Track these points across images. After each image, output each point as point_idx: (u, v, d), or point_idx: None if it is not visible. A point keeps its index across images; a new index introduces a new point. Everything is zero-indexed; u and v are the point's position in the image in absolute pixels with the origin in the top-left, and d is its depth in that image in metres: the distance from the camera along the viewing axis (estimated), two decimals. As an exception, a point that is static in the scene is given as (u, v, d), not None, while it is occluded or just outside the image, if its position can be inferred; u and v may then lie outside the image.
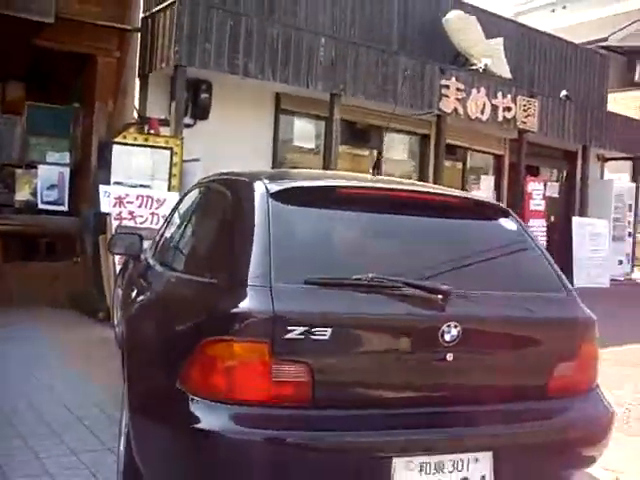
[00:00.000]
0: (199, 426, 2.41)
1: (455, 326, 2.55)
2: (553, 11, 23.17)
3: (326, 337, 2.43)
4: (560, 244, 13.48)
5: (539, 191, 12.95)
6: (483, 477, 2.60)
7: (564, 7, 23.64)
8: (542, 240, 12.79)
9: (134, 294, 3.96)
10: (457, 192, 3.54)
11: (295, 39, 9.58)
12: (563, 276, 3.06)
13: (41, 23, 7.30)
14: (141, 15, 9.09)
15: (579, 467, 3.01)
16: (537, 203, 12.85)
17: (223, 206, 3.27)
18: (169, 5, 8.70)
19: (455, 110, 11.26)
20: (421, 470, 2.51)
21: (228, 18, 8.97)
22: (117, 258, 6.99)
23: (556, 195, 14.93)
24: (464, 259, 2.88)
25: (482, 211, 3.19)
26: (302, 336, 2.41)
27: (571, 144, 14.26)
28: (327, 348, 2.45)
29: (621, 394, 5.80)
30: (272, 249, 2.59)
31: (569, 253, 13.48)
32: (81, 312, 8.03)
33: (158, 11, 8.93)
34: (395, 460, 2.47)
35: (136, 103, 9.23)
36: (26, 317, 7.47)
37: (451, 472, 2.56)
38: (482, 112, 11.57)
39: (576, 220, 13.89)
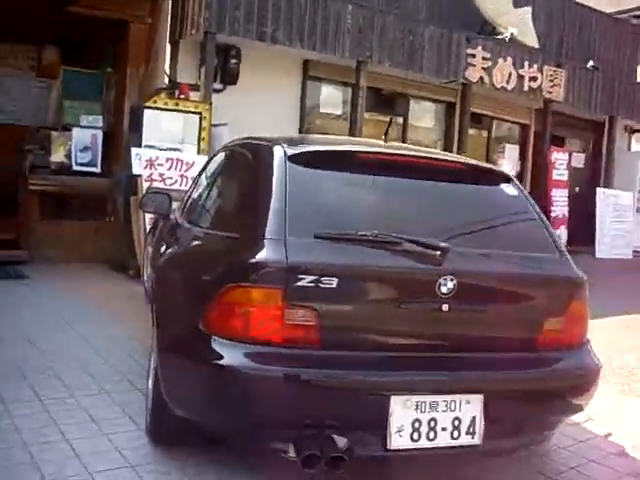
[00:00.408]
0: (219, 362, 2.72)
1: (451, 279, 2.82)
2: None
3: (333, 286, 2.72)
4: (584, 215, 13.54)
5: (563, 161, 13.01)
6: (473, 418, 2.87)
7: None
8: (564, 209, 12.92)
9: (163, 249, 4.28)
10: (461, 158, 3.79)
11: (322, 7, 9.73)
12: (558, 239, 3.32)
13: (75, -10, 7.57)
14: (173, -18, 9.29)
15: (565, 414, 3.29)
16: (560, 173, 12.91)
17: (245, 168, 3.56)
18: (200, -27, 8.90)
19: (481, 79, 11.35)
20: (417, 408, 2.79)
21: (257, -15, 9.15)
22: (147, 218, 7.33)
23: (581, 166, 14.97)
24: (464, 220, 3.16)
25: (484, 177, 3.44)
26: (311, 284, 2.70)
27: (598, 115, 14.25)
28: (333, 296, 2.74)
29: (630, 359, 6.04)
30: (287, 207, 2.87)
31: (592, 224, 13.58)
32: (112, 269, 8.40)
33: (189, -22, 9.13)
34: (393, 398, 2.76)
35: (167, 68, 9.47)
36: (60, 272, 7.85)
37: (444, 411, 2.84)
38: (508, 81, 11.64)
39: (600, 191, 13.93)
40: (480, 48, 11.28)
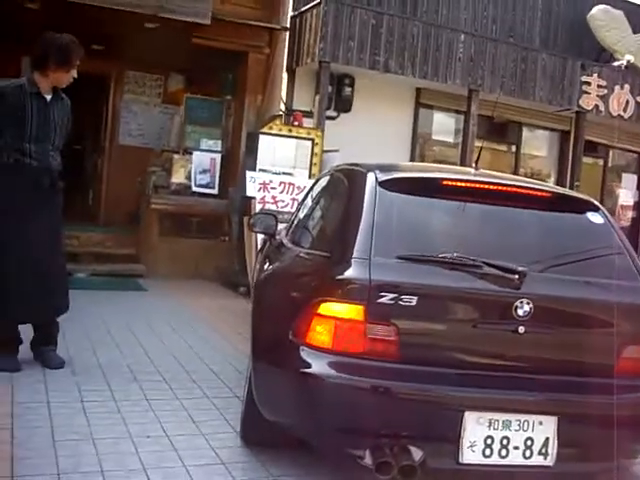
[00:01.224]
0: (306, 370, 2.96)
1: (527, 303, 2.93)
2: None
3: (412, 304, 2.90)
4: None
5: (684, 191, 12.58)
6: (547, 439, 2.96)
7: None
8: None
9: (265, 266, 4.58)
10: (547, 186, 3.88)
11: (435, 36, 9.93)
12: (642, 268, 3.35)
13: (199, 24, 8.10)
14: (289, 14, 9.74)
15: (640, 444, 3.30)
16: (681, 203, 12.48)
17: (341, 192, 3.80)
18: (315, 5, 9.31)
19: (596, 107, 11.19)
20: (489, 426, 2.92)
21: (371, 17, 9.46)
22: (259, 238, 7.70)
23: None
24: (545, 246, 3.26)
25: (570, 204, 3.53)
26: (392, 301, 2.89)
27: None
28: (413, 313, 2.92)
29: None
30: (375, 229, 3.08)
31: None
32: (225, 286, 8.85)
33: (305, 11, 9.56)
34: (467, 413, 2.89)
35: (283, 96, 9.92)
36: (175, 287, 8.35)
37: (517, 431, 2.94)
38: (625, 109, 11.40)
39: None
40: (596, 75, 11.13)
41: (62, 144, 4.86)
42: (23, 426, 3.71)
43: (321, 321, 2.99)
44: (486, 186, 3.36)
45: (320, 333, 2.99)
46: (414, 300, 2.90)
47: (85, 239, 9.30)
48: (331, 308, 2.97)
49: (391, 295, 2.90)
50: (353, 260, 3.01)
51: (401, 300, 2.90)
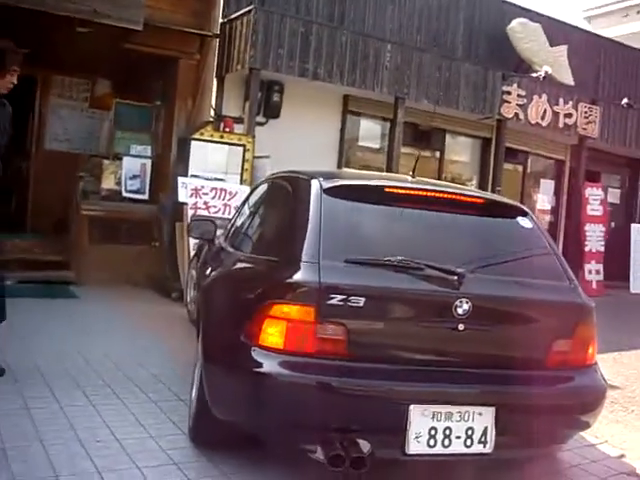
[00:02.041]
0: (259, 370, 3.08)
1: (466, 302, 3.14)
2: (626, 16, 23.02)
3: (360, 305, 3.06)
4: (619, 250, 13.68)
5: (597, 197, 13.18)
6: (485, 428, 3.17)
7: (638, 12, 23.49)
8: (598, 244, 13.06)
9: (208, 271, 4.67)
10: (480, 193, 4.14)
11: (362, 45, 10.18)
12: (569, 269, 3.62)
13: (130, 29, 8.08)
14: (220, 21, 9.83)
15: (571, 429, 3.56)
16: (594, 208, 13.08)
17: (285, 198, 3.94)
18: (245, 13, 9.43)
19: (516, 115, 11.68)
20: (433, 417, 3.11)
21: (300, 25, 9.64)
22: (192, 244, 7.75)
23: (617, 202, 15.13)
24: (480, 249, 3.51)
25: (501, 210, 3.78)
26: (341, 303, 3.05)
27: (634, 151, 14.42)
28: (361, 314, 3.09)
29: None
30: (322, 234, 3.24)
31: (628, 259, 13.69)
32: (157, 292, 8.82)
33: (235, 18, 9.66)
34: (412, 407, 3.07)
35: (213, 102, 9.99)
36: (107, 293, 8.28)
37: (458, 421, 3.15)
38: (543, 118, 11.94)
39: (635, 227, 14.04)
40: (516, 85, 11.62)
41: (2, 150, 4.83)
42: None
43: (272, 322, 3.12)
44: (425, 193, 3.56)
45: (271, 334, 3.12)
46: (361, 301, 3.07)
47: (11, 246, 9.11)
48: (282, 310, 3.11)
49: (340, 297, 3.05)
50: (302, 263, 3.15)
51: (349, 301, 3.06)
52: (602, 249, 13.12)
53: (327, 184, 3.52)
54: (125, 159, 9.46)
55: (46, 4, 7.33)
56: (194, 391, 3.92)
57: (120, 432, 3.91)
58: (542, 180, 14.06)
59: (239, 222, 4.91)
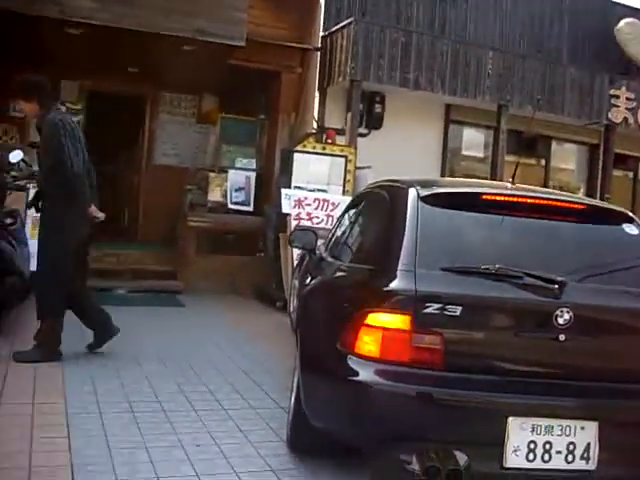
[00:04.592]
0: (354, 378, 3.09)
1: (567, 312, 3.04)
2: None
3: (457, 314, 3.02)
4: None
5: None
6: (588, 444, 3.05)
7: None
8: None
9: (308, 280, 4.72)
10: (583, 199, 4.00)
11: (463, 53, 10.07)
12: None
13: (233, 46, 8.32)
14: (320, 34, 9.95)
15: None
16: None
17: (383, 207, 3.93)
18: (346, 25, 9.51)
19: (625, 120, 11.23)
20: (532, 431, 3.02)
21: (400, 35, 9.64)
22: (295, 254, 7.86)
23: None
24: (583, 257, 3.38)
25: (605, 216, 3.64)
26: (437, 311, 3.01)
27: None
28: (457, 323, 3.04)
29: None
30: (418, 242, 3.22)
31: None
32: (261, 301, 9.00)
33: (336, 31, 9.76)
34: (510, 419, 2.99)
35: (315, 114, 10.11)
36: (212, 302, 8.53)
37: (559, 435, 3.03)
38: (654, 122, 11.43)
39: None
40: (624, 89, 11.18)
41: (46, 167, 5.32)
42: (76, 435, 3.89)
43: (368, 331, 3.12)
44: (524, 200, 3.48)
45: (367, 342, 3.12)
46: (458, 310, 3.03)
47: (124, 257, 9.54)
48: (378, 318, 3.10)
49: (436, 305, 3.02)
50: (398, 272, 3.14)
51: (445, 310, 3.02)
52: None
53: (424, 192, 3.50)
54: (230, 172, 9.74)
55: (154, 25, 7.64)
56: (292, 399, 3.97)
57: (219, 437, 4.01)
58: (655, 186, 13.45)
59: (339, 232, 4.94)
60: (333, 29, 9.89)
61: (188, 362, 5.65)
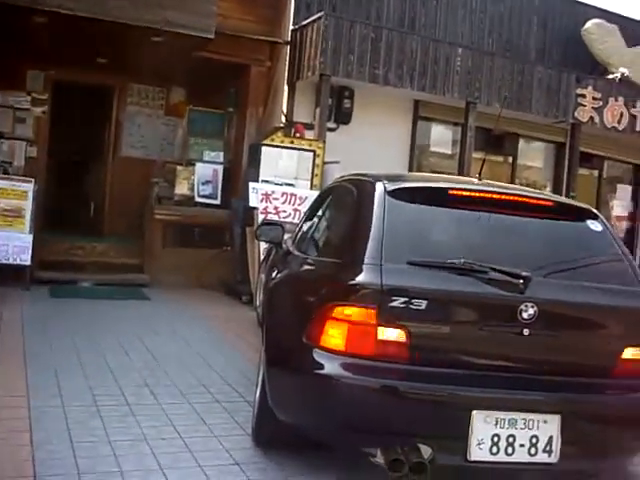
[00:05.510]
0: (320, 371, 3.09)
1: (532, 306, 3.07)
2: None
3: (422, 307, 3.03)
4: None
5: (678, 202, 12.71)
6: (551, 437, 3.08)
7: None
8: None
9: (274, 274, 4.70)
10: (547, 195, 4.04)
11: (433, 50, 10.09)
12: (640, 274, 3.49)
13: (203, 38, 8.24)
14: (291, 28, 9.89)
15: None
16: (675, 214, 12.62)
17: (350, 201, 3.93)
18: (316, 20, 9.46)
19: (591, 119, 11.33)
20: (496, 424, 3.04)
21: (370, 31, 9.62)
22: (262, 248, 7.83)
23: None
24: (547, 252, 3.42)
25: (569, 213, 3.68)
26: (403, 305, 3.02)
27: None
28: (423, 316, 3.05)
29: None
30: (385, 236, 3.22)
31: None
32: (227, 295, 8.96)
33: (306, 25, 9.71)
34: (475, 412, 3.02)
35: (284, 108, 10.07)
36: (180, 296, 8.46)
37: (523, 429, 3.06)
38: (619, 121, 11.54)
39: None
40: (590, 88, 11.28)
41: None
42: (39, 428, 3.83)
43: (334, 324, 3.12)
44: (491, 195, 3.50)
45: (333, 336, 3.12)
46: (424, 304, 3.04)
47: (89, 249, 9.43)
48: (344, 312, 3.10)
49: (402, 299, 3.03)
50: (365, 265, 3.14)
51: (411, 304, 3.03)
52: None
53: (391, 186, 3.50)
54: (198, 165, 9.67)
55: (122, 16, 7.54)
56: (258, 392, 3.95)
57: (184, 431, 3.98)
58: (619, 185, 13.62)
59: (305, 226, 4.93)
60: (303, 23, 9.83)
61: (153, 355, 5.60)
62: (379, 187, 3.51)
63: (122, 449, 3.65)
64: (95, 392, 4.55)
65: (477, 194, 3.50)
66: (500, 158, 12.39)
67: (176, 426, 4.05)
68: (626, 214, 13.64)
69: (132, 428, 3.97)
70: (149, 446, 3.72)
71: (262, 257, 7.52)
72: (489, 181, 3.95)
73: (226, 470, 3.53)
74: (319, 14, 9.48)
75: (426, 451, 3.03)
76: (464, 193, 3.51)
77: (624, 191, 13.52)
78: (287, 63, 9.87)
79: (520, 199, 3.56)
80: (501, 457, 3.05)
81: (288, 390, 3.42)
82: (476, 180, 3.85)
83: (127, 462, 3.50)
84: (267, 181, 8.87)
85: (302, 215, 7.08)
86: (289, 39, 9.82)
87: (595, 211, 3.73)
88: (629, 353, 3.25)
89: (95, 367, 5.11)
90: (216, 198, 9.58)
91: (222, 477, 3.45)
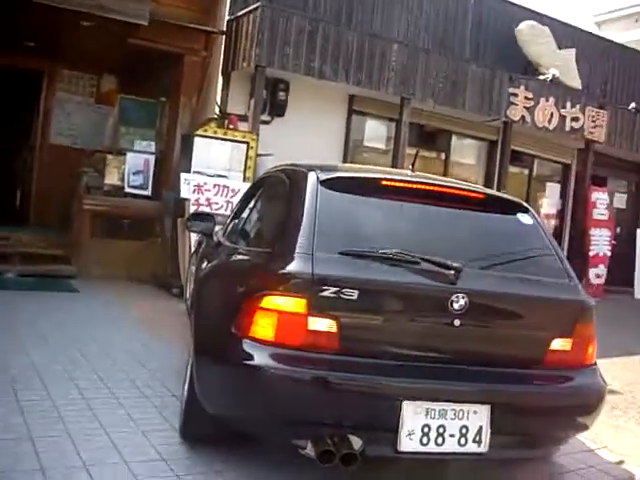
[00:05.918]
0: (249, 362, 3.02)
1: (463, 297, 3.07)
2: (637, 21, 22.83)
3: (353, 298, 3.00)
4: (625, 255, 13.58)
5: (603, 201, 13.04)
6: (480, 427, 3.09)
7: (649, 18, 23.30)
8: (604, 249, 12.94)
9: (204, 265, 4.62)
10: (480, 188, 4.07)
11: (369, 45, 10.11)
12: (569, 267, 3.54)
13: (135, 24, 8.04)
14: (226, 18, 9.77)
15: (569, 431, 3.48)
16: (600, 212, 12.94)
17: (282, 191, 3.87)
18: (252, 10, 9.36)
19: (522, 118, 11.57)
20: (427, 414, 3.03)
21: (307, 23, 9.57)
22: (192, 240, 7.70)
23: (623, 206, 15.01)
24: (479, 244, 3.43)
25: (501, 206, 3.71)
26: (334, 295, 2.98)
27: (640, 156, 14.30)
28: (354, 307, 3.02)
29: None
30: (316, 226, 3.17)
31: (633, 265, 13.56)
32: (157, 287, 8.79)
33: (242, 15, 9.60)
34: (405, 403, 3.00)
35: (218, 99, 9.94)
36: (108, 288, 8.24)
37: (453, 419, 3.07)
38: (549, 121, 11.83)
39: (640, 232, 13.91)
40: (523, 88, 11.52)
41: None
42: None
43: (264, 314, 3.06)
44: (424, 186, 3.49)
45: (262, 326, 3.06)
46: (355, 294, 3.00)
47: (14, 239, 9.10)
48: (274, 301, 3.04)
49: (333, 289, 2.99)
50: (296, 255, 3.09)
51: (342, 294, 2.99)
52: (609, 253, 12.99)
53: (324, 176, 3.46)
54: (129, 155, 9.44)
55: (50, -3, 7.30)
56: (186, 386, 3.85)
57: (110, 426, 3.85)
58: (548, 184, 13.96)
59: (238, 217, 4.85)
60: (239, 13, 9.72)
61: (79, 349, 5.43)
62: (312, 176, 3.47)
63: (44, 446, 3.50)
64: (16, 387, 4.36)
65: (410, 185, 3.48)
66: (433, 154, 12.55)
67: (102, 422, 3.91)
68: (554, 212, 13.98)
69: (55, 424, 3.81)
70: (73, 443, 3.58)
71: (193, 249, 7.40)
72: (422, 173, 3.95)
73: (152, 465, 3.42)
74: (255, 4, 9.39)
75: (357, 442, 3.00)
76: (397, 184, 3.49)
77: (553, 189, 13.84)
78: (222, 53, 9.77)
79: (453, 191, 3.57)
80: (431, 447, 3.04)
81: (217, 382, 3.33)
82: (409, 172, 3.85)
83: (49, 460, 3.34)
84: (199, 172, 8.74)
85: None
86: (225, 29, 9.70)
87: (526, 205, 3.78)
88: (557, 344, 3.30)
89: (17, 361, 4.91)
90: (147, 189, 9.38)
91: (148, 473, 3.34)
